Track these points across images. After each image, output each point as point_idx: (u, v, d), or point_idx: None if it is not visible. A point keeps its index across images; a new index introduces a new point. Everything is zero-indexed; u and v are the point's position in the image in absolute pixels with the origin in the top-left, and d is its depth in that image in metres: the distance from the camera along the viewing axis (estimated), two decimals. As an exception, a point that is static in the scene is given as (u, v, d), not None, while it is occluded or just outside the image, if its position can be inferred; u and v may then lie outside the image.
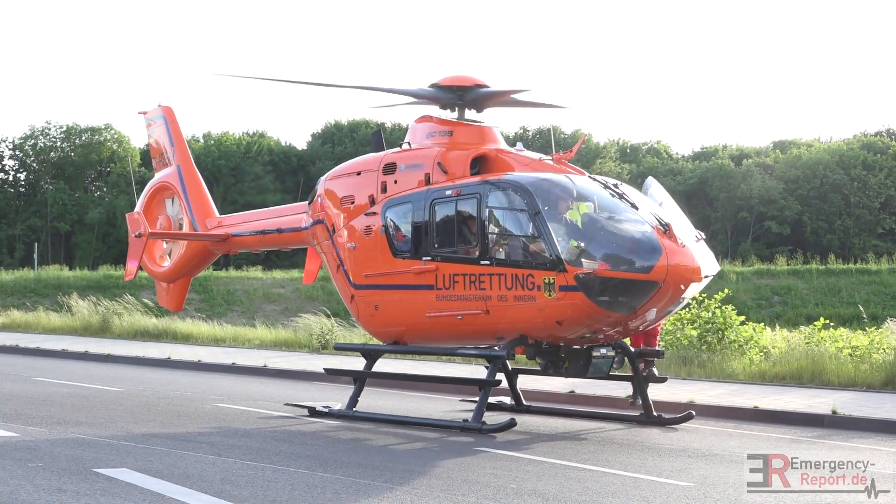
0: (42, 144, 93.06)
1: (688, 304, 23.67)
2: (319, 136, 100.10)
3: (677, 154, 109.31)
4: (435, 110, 18.69)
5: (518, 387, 19.14)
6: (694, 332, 24.67)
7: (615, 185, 16.42)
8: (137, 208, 23.69)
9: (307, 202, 19.79)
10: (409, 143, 18.45)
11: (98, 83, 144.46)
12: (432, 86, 18.31)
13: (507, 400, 19.21)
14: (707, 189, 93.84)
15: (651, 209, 15.98)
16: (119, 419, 16.82)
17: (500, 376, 17.64)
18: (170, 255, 23.63)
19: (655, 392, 18.45)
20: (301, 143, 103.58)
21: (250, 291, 60.10)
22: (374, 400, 19.93)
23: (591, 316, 15.56)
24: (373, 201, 18.04)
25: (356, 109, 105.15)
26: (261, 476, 11.90)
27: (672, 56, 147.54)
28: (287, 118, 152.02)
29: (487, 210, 16.32)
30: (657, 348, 17.59)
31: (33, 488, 10.84)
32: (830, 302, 59.29)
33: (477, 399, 16.82)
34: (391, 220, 17.66)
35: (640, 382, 17.45)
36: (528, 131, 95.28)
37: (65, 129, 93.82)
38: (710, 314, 24.58)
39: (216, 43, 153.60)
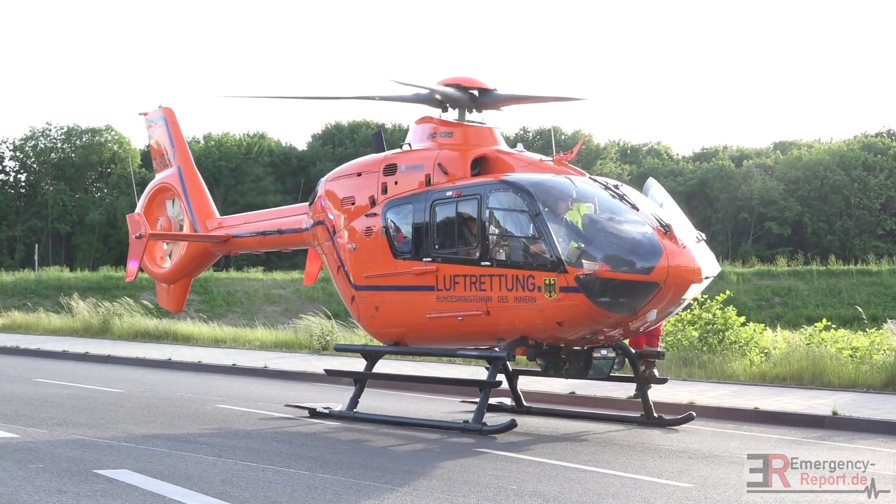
0: (43, 145, 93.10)
1: (689, 306, 23.72)
2: (320, 137, 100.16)
3: (678, 155, 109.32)
4: (435, 111, 18.68)
5: (518, 388, 19.14)
6: (695, 333, 24.68)
7: (616, 186, 16.41)
8: (138, 209, 23.70)
9: (308, 203, 19.79)
10: (409, 144, 18.45)
11: (98, 84, 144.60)
12: (432, 87, 18.30)
13: (508, 401, 19.21)
14: (707, 190, 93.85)
15: (652, 210, 15.97)
16: (119, 420, 16.82)
17: (501, 377, 17.64)
18: (170, 256, 23.63)
19: (656, 393, 18.45)
20: (301, 144, 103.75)
21: (251, 292, 60.12)
22: (375, 401, 19.93)
23: (591, 317, 15.55)
24: (373, 202, 18.04)
25: (356, 111, 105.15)
26: (261, 477, 11.90)
27: (672, 57, 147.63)
28: (287, 119, 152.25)
29: (488, 211, 16.32)
30: (658, 349, 17.59)
31: (34, 489, 10.84)
32: (831, 303, 59.30)
33: (477, 400, 16.82)
34: (392, 221, 17.66)
35: (641, 383, 17.45)
36: (529, 132, 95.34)
37: (65, 130, 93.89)
38: (712, 315, 24.60)
39: (216, 44, 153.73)
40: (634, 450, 14.91)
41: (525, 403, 19.02)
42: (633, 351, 17.33)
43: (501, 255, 16.17)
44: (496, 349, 16.97)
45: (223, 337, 35.05)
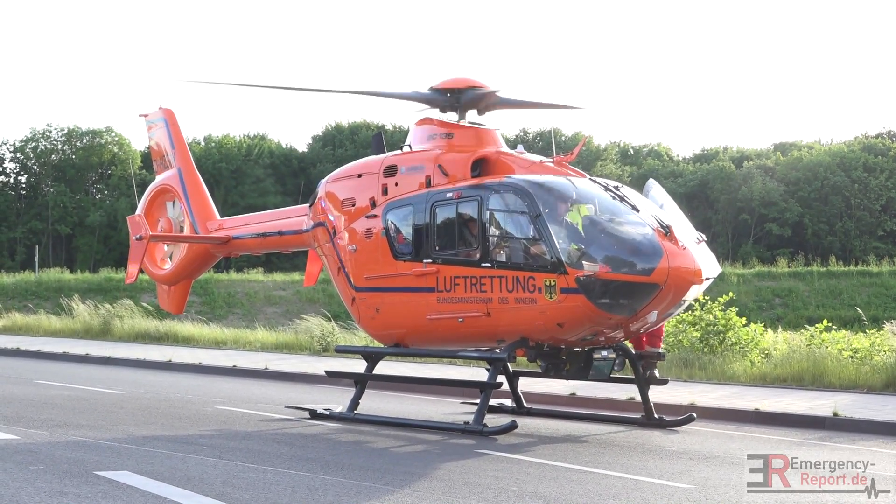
0: (43, 147, 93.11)
1: (690, 307, 23.72)
2: (320, 138, 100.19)
3: (678, 156, 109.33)
4: (435, 113, 18.69)
5: (519, 389, 19.14)
6: (696, 334, 24.69)
7: (616, 188, 16.41)
8: (138, 211, 23.70)
9: (308, 205, 19.79)
10: (409, 146, 18.46)
11: (99, 86, 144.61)
12: (431, 88, 18.33)
13: (508, 402, 19.21)
14: (708, 191, 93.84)
15: (652, 211, 15.97)
16: (120, 422, 16.82)
17: (502, 378, 17.63)
18: (171, 257, 23.64)
19: (656, 394, 18.45)
20: (302, 146, 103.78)
21: (251, 294, 60.11)
22: (376, 402, 19.94)
23: (591, 318, 15.55)
24: (374, 204, 18.05)
25: (357, 112, 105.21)
26: (262, 478, 11.90)
27: (673, 58, 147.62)
28: (288, 121, 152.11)
29: (488, 212, 16.32)
30: (659, 350, 17.59)
31: (34, 491, 10.85)
32: (831, 304, 59.28)
33: (478, 401, 16.81)
34: (392, 222, 17.66)
35: (642, 385, 17.44)
36: (529, 133, 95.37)
37: (66, 131, 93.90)
38: (713, 317, 24.60)
39: (217, 45, 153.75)
40: (635, 451, 14.91)
41: (526, 405, 19.02)
42: (634, 352, 17.32)
43: (502, 257, 16.17)
44: (497, 350, 16.97)
45: (224, 338, 35.05)
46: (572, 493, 11.58)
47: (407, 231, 17.44)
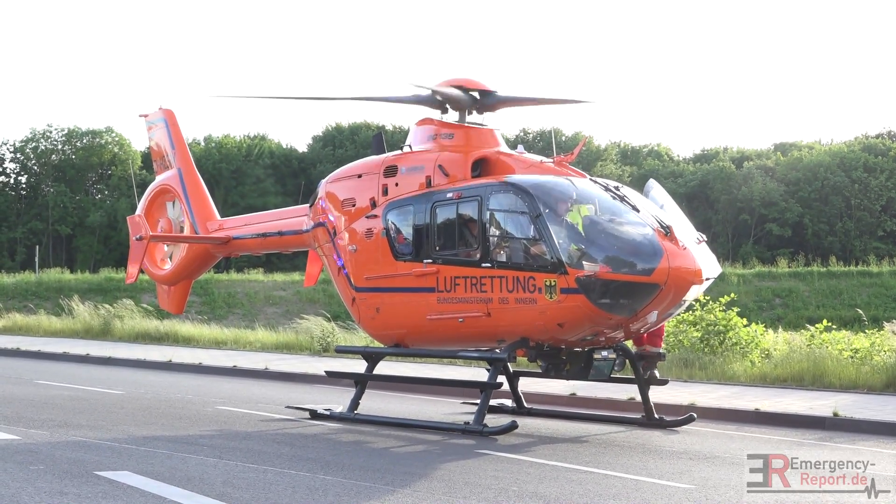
0: (43, 147, 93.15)
1: (690, 307, 23.72)
2: (320, 138, 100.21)
3: (678, 156, 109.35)
4: (436, 113, 18.69)
5: (519, 389, 19.14)
6: (696, 334, 24.70)
7: (616, 188, 16.41)
8: (138, 211, 23.71)
9: (308, 205, 19.78)
10: (409, 146, 18.45)
11: (99, 86, 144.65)
12: (432, 89, 18.30)
13: (509, 402, 19.21)
14: (708, 191, 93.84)
15: (652, 211, 15.97)
16: (120, 422, 16.82)
17: (502, 379, 17.63)
18: (171, 258, 23.64)
19: (657, 394, 18.45)
20: (302, 146, 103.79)
21: (251, 294, 60.12)
22: (376, 402, 19.94)
23: (592, 318, 15.55)
24: (374, 204, 18.04)
25: (357, 112, 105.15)
26: (262, 479, 11.90)
27: (673, 58, 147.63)
28: (288, 121, 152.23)
29: (488, 213, 16.32)
30: (659, 350, 17.59)
31: (34, 491, 10.85)
32: (832, 304, 59.25)
33: (478, 402, 16.81)
34: (392, 222, 17.66)
35: (642, 385, 17.44)
36: (529, 134, 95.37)
37: (66, 132, 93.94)
38: (714, 317, 24.61)
39: (217, 46, 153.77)
40: (635, 451, 14.91)
41: (526, 405, 19.02)
42: (635, 352, 17.32)
43: (502, 257, 16.17)
44: (497, 350, 16.97)
45: (224, 338, 35.06)
46: (572, 493, 11.58)
47: (407, 231, 17.44)
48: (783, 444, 15.55)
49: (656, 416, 17.47)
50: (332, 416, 17.83)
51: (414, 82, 17.72)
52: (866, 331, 26.23)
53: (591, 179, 16.80)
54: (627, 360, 17.22)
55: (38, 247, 74.28)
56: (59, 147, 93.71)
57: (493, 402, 18.30)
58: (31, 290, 56.41)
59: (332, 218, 18.81)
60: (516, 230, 16.17)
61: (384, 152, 18.80)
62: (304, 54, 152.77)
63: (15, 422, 16.33)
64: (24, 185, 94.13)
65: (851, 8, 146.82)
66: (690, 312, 24.81)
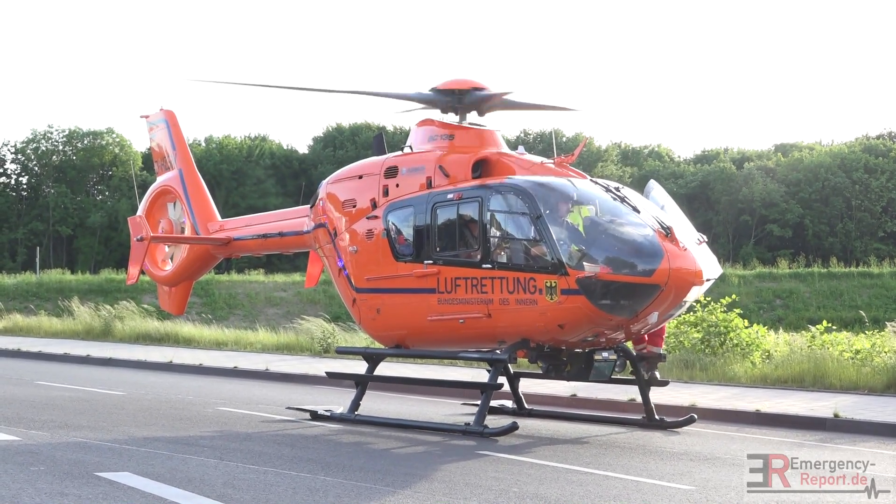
0: (44, 148, 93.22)
1: (691, 308, 23.71)
2: (321, 139, 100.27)
3: (679, 157, 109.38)
4: (436, 114, 18.69)
5: (520, 390, 19.14)
6: (697, 335, 24.70)
7: (617, 189, 16.40)
8: (139, 212, 23.71)
9: (309, 206, 19.79)
10: (410, 147, 18.46)
11: (100, 87, 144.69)
12: (432, 90, 18.33)
13: (509, 403, 19.20)
14: (709, 192, 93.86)
15: (653, 212, 15.97)
16: (121, 423, 16.82)
17: (502, 380, 17.63)
18: (172, 258, 23.64)
19: (657, 395, 18.45)
20: (303, 147, 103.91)
21: (252, 295, 60.13)
22: (376, 403, 19.94)
23: (592, 319, 15.54)
24: (374, 205, 18.05)
25: (358, 113, 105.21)
26: (262, 480, 11.90)
27: (673, 59, 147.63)
28: (289, 122, 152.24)
29: (489, 213, 16.32)
30: (660, 351, 17.59)
31: (35, 492, 10.85)
32: (832, 305, 59.26)
33: (479, 403, 16.81)
34: (393, 223, 17.66)
35: (643, 386, 17.44)
36: (530, 135, 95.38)
37: (67, 132, 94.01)
38: (715, 318, 24.60)
39: (217, 46, 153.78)
40: (636, 452, 14.91)
41: (526, 406, 19.02)
42: (635, 353, 17.31)
43: (503, 258, 16.16)
44: (497, 351, 16.97)
45: (224, 339, 35.06)
46: (573, 494, 11.58)
47: (408, 232, 17.44)
48: (784, 445, 15.55)
49: (657, 417, 17.46)
50: (332, 417, 17.82)
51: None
52: (867, 332, 26.20)
53: (591, 180, 16.80)
54: (628, 362, 17.23)
55: (38, 248, 74.38)
56: (60, 148, 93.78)
57: (493, 403, 18.29)
58: (31, 291, 56.44)
59: (332, 219, 18.81)
60: (517, 231, 16.16)
61: (385, 153, 18.80)
62: (305, 55, 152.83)
63: (15, 423, 16.33)
64: (24, 186, 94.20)
65: (851, 8, 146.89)
66: (691, 313, 24.81)
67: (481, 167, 17.58)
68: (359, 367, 20.61)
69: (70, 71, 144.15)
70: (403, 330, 17.91)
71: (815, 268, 67.38)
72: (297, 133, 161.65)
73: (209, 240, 22.31)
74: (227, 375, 26.90)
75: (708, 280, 15.94)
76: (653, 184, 17.63)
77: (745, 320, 25.22)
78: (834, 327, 25.30)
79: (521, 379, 19.34)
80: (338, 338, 31.41)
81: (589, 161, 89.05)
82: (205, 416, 18.00)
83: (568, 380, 17.68)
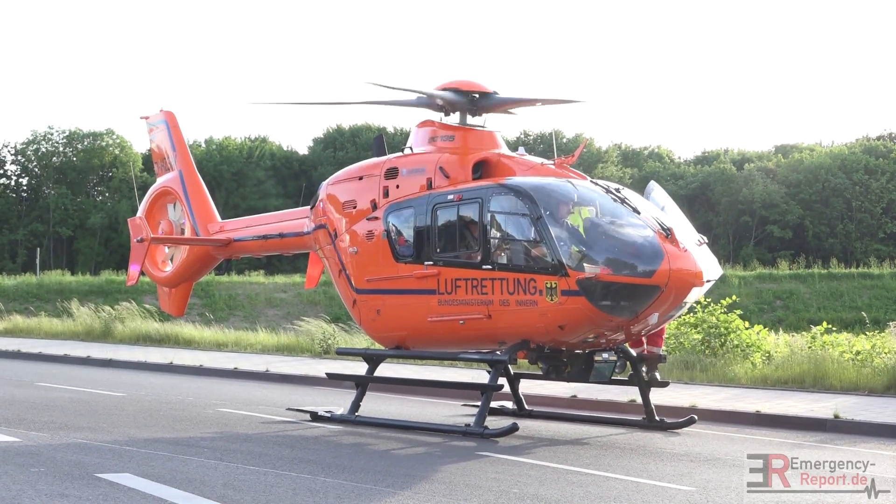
0: (44, 149, 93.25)
1: (691, 309, 23.71)
2: (321, 140, 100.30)
3: (679, 158, 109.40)
4: (436, 115, 18.68)
5: (520, 391, 19.14)
6: (697, 336, 24.69)
7: (617, 190, 16.40)
8: (139, 213, 23.71)
9: (309, 207, 19.79)
10: (410, 148, 18.46)
11: (100, 88, 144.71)
12: (433, 90, 18.31)
13: (509, 404, 19.20)
14: (709, 193, 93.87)
15: (653, 213, 15.97)
16: (121, 424, 16.82)
17: (503, 381, 17.64)
18: (172, 259, 23.64)
19: (657, 396, 18.44)
20: (303, 148, 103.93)
21: (252, 296, 60.13)
22: (377, 404, 19.94)
23: (593, 320, 15.54)
24: (375, 206, 18.05)
25: (358, 114, 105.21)
26: (263, 481, 11.90)
27: (674, 60, 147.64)
28: (289, 123, 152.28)
29: (489, 215, 16.33)
30: (660, 352, 17.59)
31: (35, 493, 10.85)
32: (833, 306, 59.23)
33: (479, 404, 16.81)
34: (393, 224, 17.66)
35: (643, 387, 17.44)
36: (530, 136, 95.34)
37: (67, 133, 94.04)
38: (715, 319, 24.60)
39: (218, 47, 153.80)
40: (636, 453, 14.91)
41: (527, 407, 19.01)
42: (635, 354, 17.31)
43: (503, 259, 16.16)
44: (498, 353, 16.97)
45: (225, 340, 35.06)
46: (573, 495, 11.58)
47: (408, 233, 17.44)
48: (784, 446, 15.53)
49: (657, 418, 17.46)
50: (332, 419, 17.83)
51: (375, 81, 17.66)
52: (867, 333, 26.20)
53: (591, 181, 16.81)
54: (628, 363, 17.23)
55: (38, 249, 74.42)
56: (60, 149, 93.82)
57: (493, 404, 18.29)
58: (31, 293, 56.43)
59: (332, 220, 18.81)
60: (517, 232, 16.17)
61: (385, 154, 18.80)
62: (306, 56, 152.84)
63: (16, 424, 16.33)
64: (24, 188, 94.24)
65: (851, 9, 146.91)
66: (691, 314, 24.80)
67: (481, 168, 17.59)
68: (359, 368, 20.60)
69: (70, 72, 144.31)
70: (404, 331, 17.91)
71: (815, 269, 67.36)
72: (297, 134, 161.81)
73: (209, 241, 22.31)
74: (227, 376, 26.90)
75: (708, 281, 15.94)
76: (653, 185, 17.63)
77: (746, 321, 25.21)
78: (834, 328, 25.30)
79: (522, 380, 19.34)
80: (338, 339, 31.41)
81: (589, 162, 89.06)
82: (205, 418, 18.00)
83: (568, 381, 17.68)
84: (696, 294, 16.04)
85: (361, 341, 28.71)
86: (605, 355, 16.66)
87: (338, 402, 19.87)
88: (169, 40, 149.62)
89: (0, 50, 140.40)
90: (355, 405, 17.86)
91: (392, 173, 18.02)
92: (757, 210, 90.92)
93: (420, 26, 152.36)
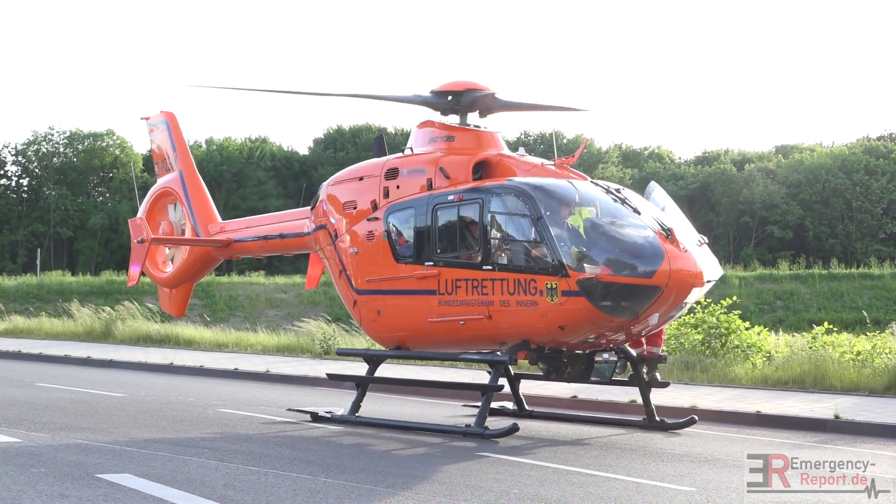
0: (45, 150, 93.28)
1: (692, 309, 23.71)
2: (321, 141, 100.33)
3: (679, 159, 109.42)
4: (437, 115, 18.69)
5: (520, 392, 19.13)
6: (698, 337, 24.69)
7: (617, 190, 16.40)
8: (140, 214, 23.72)
9: (309, 207, 19.79)
10: (411, 149, 18.46)
11: (101, 89, 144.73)
12: (432, 91, 18.34)
13: (510, 405, 19.20)
14: (709, 194, 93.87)
15: (653, 214, 15.97)
16: (121, 425, 16.82)
17: (503, 381, 17.64)
18: (172, 260, 23.64)
19: (658, 397, 18.44)
20: (303, 149, 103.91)
21: (252, 297, 60.14)
22: (377, 405, 19.94)
23: (593, 321, 15.54)
24: (375, 206, 18.05)
25: (358, 114, 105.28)
26: (263, 481, 11.90)
27: (674, 60, 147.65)
28: (289, 124, 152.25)
29: (489, 215, 16.32)
30: (660, 352, 17.59)
31: (36, 494, 10.85)
32: (833, 306, 59.23)
33: (479, 404, 16.81)
34: (393, 225, 17.66)
35: (643, 387, 17.44)
36: (530, 136, 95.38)
37: (67, 134, 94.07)
38: (716, 319, 24.60)
39: (218, 48, 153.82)
40: (636, 453, 14.91)
41: (527, 407, 19.01)
42: (635, 354, 17.31)
43: (503, 259, 16.16)
44: (498, 353, 16.97)
45: (225, 341, 35.06)
46: (574, 495, 11.57)
47: (408, 234, 17.44)
48: (784, 447, 15.52)
49: (657, 418, 17.46)
50: (333, 419, 17.82)
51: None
52: (867, 333, 26.21)
53: (592, 182, 16.81)
54: (629, 363, 17.23)
55: (39, 249, 74.43)
56: (61, 150, 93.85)
57: (493, 404, 18.28)
58: (32, 293, 56.43)
59: (333, 220, 18.81)
60: (517, 233, 16.16)
61: (385, 155, 18.81)
62: (306, 57, 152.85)
63: (16, 424, 16.33)
64: (25, 188, 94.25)
65: (852, 9, 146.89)
66: (692, 315, 24.80)
67: (482, 169, 17.59)
68: (359, 368, 20.60)
69: (71, 73, 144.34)
70: (404, 331, 17.91)
71: (815, 269, 67.38)
72: (297, 135, 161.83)
73: (210, 241, 22.31)
74: (227, 377, 26.90)
75: (708, 281, 15.94)
76: (653, 185, 17.63)
77: (746, 322, 25.21)
78: (835, 329, 25.30)
79: (522, 380, 19.34)
80: (338, 339, 31.41)
81: (589, 162, 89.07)
82: (205, 418, 18.00)
83: (568, 381, 17.68)
84: (696, 294, 16.04)
85: (362, 342, 28.72)
86: (606, 356, 16.65)
87: (338, 402, 19.87)
88: (169, 41, 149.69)
89: (0, 50, 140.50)
90: (356, 406, 17.86)
91: (392, 174, 18.03)
92: (757, 210, 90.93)
93: (420, 26, 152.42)
